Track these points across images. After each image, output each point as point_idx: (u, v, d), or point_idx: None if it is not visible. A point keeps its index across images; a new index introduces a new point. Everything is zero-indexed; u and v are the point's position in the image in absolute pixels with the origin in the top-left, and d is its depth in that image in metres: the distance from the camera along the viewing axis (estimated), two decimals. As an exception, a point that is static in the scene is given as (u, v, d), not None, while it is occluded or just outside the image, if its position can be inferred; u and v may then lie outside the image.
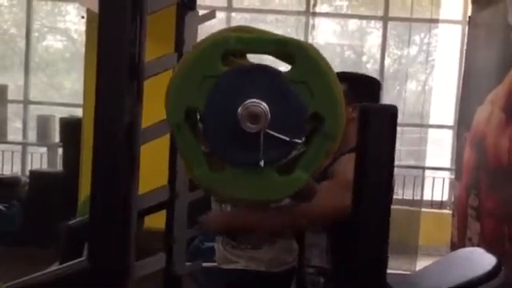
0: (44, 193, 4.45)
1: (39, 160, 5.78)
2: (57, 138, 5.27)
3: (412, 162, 5.90)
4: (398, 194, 5.82)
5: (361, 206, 1.11)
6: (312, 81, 0.88)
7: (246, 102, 0.84)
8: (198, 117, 0.93)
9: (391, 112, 1.14)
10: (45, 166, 5.59)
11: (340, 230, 1.57)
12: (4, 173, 5.65)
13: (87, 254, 1.08)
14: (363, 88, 1.91)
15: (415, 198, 5.76)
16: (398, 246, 5.05)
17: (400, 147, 6.03)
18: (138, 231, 2.65)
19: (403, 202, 5.72)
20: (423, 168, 5.68)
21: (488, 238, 4.01)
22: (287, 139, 0.86)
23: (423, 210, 5.49)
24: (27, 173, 5.19)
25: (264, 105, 0.85)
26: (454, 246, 4.45)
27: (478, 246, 3.98)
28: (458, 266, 3.62)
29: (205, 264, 2.74)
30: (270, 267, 1.71)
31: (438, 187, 5.89)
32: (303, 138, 0.93)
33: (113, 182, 1.07)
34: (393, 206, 4.70)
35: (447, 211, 5.35)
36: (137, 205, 1.14)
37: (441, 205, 5.80)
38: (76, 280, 1.11)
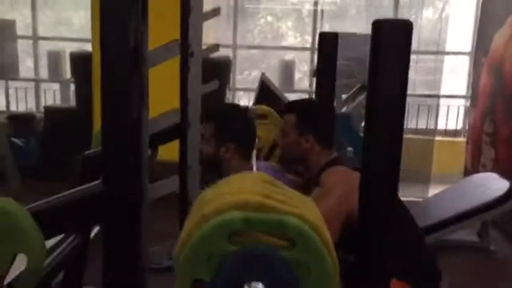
0: (59, 127, 4.51)
1: (52, 96, 5.81)
2: (68, 74, 5.25)
3: (427, 92, 5.82)
4: (412, 123, 5.79)
5: (374, 124, 1.09)
6: (311, 262, 0.93)
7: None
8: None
9: (406, 27, 1.10)
10: (58, 102, 5.62)
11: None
12: (19, 109, 5.71)
13: (102, 178, 1.09)
14: (312, 116, 1.87)
15: (429, 127, 5.73)
16: (411, 175, 5.08)
17: (415, 76, 5.92)
18: (153, 163, 2.69)
19: (417, 131, 5.70)
20: (438, 96, 5.59)
21: (502, 163, 4.01)
22: None
23: (437, 138, 5.47)
24: (41, 109, 5.23)
25: None
26: (468, 173, 4.47)
27: (492, 172, 3.99)
28: (471, 191, 3.66)
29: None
30: None
31: (452, 116, 5.83)
32: None
33: (122, 105, 1.06)
34: (406, 136, 4.69)
35: (462, 139, 5.32)
36: (148, 128, 1.13)
37: (455, 133, 5.77)
38: (91, 203, 1.13)
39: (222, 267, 0.92)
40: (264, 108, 2.60)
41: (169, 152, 2.49)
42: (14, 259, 1.03)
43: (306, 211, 0.95)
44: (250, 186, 0.99)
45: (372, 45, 1.09)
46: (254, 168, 1.75)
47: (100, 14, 1.03)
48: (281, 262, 0.92)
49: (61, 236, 2.40)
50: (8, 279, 1.02)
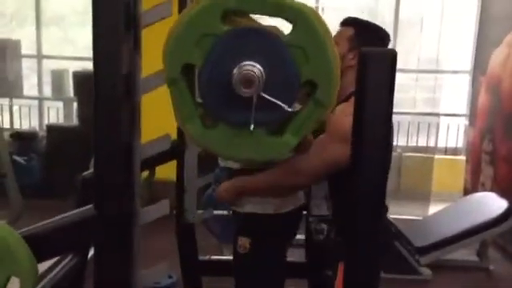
0: (61, 146, 4.55)
1: (56, 114, 5.86)
2: (71, 92, 5.31)
3: (427, 110, 5.85)
4: (413, 141, 5.81)
5: (360, 150, 1.11)
6: (309, 47, 0.87)
7: (241, 64, 0.84)
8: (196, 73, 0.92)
9: (391, 56, 1.13)
10: (61, 120, 5.67)
11: (339, 178, 1.59)
12: (22, 127, 5.76)
13: (94, 201, 1.12)
14: (370, 35, 1.83)
15: (429, 145, 5.75)
16: (411, 193, 5.10)
17: (415, 94, 5.96)
18: (150, 182, 2.71)
19: (417, 149, 5.72)
20: (438, 115, 5.62)
21: (501, 182, 4.02)
22: (280, 104, 0.86)
23: (437, 156, 5.48)
24: (44, 127, 5.28)
25: (259, 68, 0.84)
26: (468, 192, 4.47)
27: (491, 191, 4.00)
28: (470, 210, 3.66)
29: (216, 212, 2.81)
30: (277, 210, 1.74)
31: (452, 134, 5.85)
32: (296, 104, 0.92)
33: (114, 131, 1.09)
34: (406, 154, 4.74)
35: (461, 157, 5.33)
36: (139, 153, 1.16)
37: (455, 151, 5.78)
38: (83, 227, 1.15)
39: (215, 46, 0.85)
40: (273, 26, 2.55)
41: (171, 171, 2.53)
42: (7, 282, 1.05)
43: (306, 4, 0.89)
44: None
45: (358, 74, 1.11)
46: None
47: (93, 42, 1.07)
48: (278, 43, 0.85)
49: (58, 257, 2.43)
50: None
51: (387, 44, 1.85)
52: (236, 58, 0.85)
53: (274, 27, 2.57)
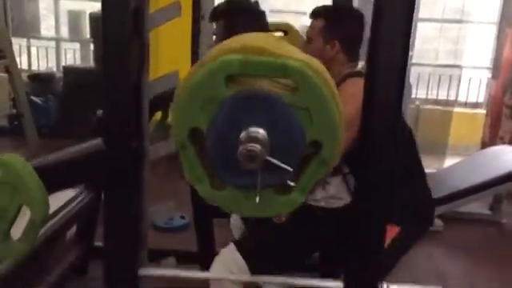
0: (77, 87, 4.56)
1: (72, 55, 5.86)
2: (88, 34, 5.28)
3: (450, 62, 5.70)
4: (433, 94, 5.70)
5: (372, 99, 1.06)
6: (313, 108, 0.86)
7: (244, 137, 0.85)
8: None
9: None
10: (78, 62, 5.68)
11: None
12: (40, 68, 5.78)
13: (103, 137, 1.12)
14: (342, 22, 1.77)
15: (450, 98, 5.64)
16: (428, 146, 5.05)
17: (438, 45, 5.79)
18: (164, 124, 2.72)
19: (437, 102, 5.62)
20: (460, 67, 5.48)
21: (520, 137, 3.94)
22: (287, 168, 0.87)
23: (456, 110, 5.39)
24: (61, 68, 5.29)
25: (263, 138, 0.85)
26: (485, 146, 4.41)
27: (510, 145, 3.93)
28: (486, 163, 3.62)
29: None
30: (329, 205, 1.74)
31: (474, 88, 5.72)
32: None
33: (122, 67, 1.07)
34: (425, 106, 4.65)
35: (481, 111, 5.23)
36: (148, 89, 1.15)
37: (475, 105, 5.67)
38: (93, 159, 1.16)
39: (220, 111, 0.86)
40: (285, 23, 2.54)
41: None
42: (18, 211, 1.08)
43: (310, 60, 0.89)
44: (254, 38, 0.93)
45: (374, 8, 1.06)
46: None
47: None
48: (282, 106, 0.85)
49: (74, 192, 2.48)
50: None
51: (363, 24, 1.78)
52: (240, 123, 0.86)
53: (287, 24, 2.37)
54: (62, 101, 4.71)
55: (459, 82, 5.57)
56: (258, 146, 0.84)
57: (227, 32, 1.78)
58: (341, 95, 1.65)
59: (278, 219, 1.67)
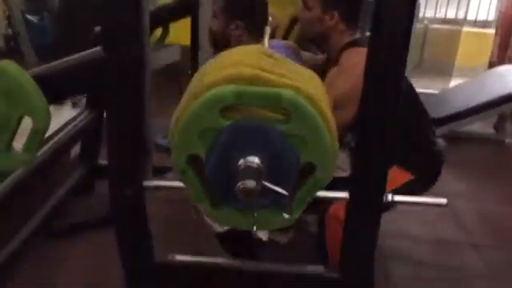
0: (73, 4, 4.41)
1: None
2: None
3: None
4: (441, 13, 5.52)
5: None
6: (307, 135, 0.90)
7: (242, 164, 0.90)
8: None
9: None
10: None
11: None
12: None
13: (102, 44, 1.06)
14: None
15: (458, 17, 5.46)
16: (434, 66, 4.96)
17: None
18: (163, 42, 2.62)
19: (445, 21, 5.45)
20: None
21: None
22: (283, 192, 0.92)
23: (465, 29, 5.23)
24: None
25: (258, 163, 0.90)
26: (493, 66, 4.32)
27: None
28: (492, 83, 3.56)
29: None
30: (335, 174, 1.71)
31: (484, 6, 5.51)
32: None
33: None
34: (433, 26, 4.50)
35: (490, 31, 5.08)
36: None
37: (485, 24, 5.49)
38: (93, 68, 1.11)
39: (216, 142, 0.91)
40: None
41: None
42: (19, 121, 1.05)
43: (303, 84, 0.92)
44: (246, 59, 0.95)
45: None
46: (265, 46, 1.69)
47: None
48: (276, 134, 0.90)
49: (77, 111, 2.45)
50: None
51: None
52: (237, 152, 0.91)
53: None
54: (58, 19, 4.57)
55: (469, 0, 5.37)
56: (253, 182, 0.89)
57: (227, 13, 1.77)
58: (340, 67, 1.62)
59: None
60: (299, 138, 0.91)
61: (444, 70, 4.85)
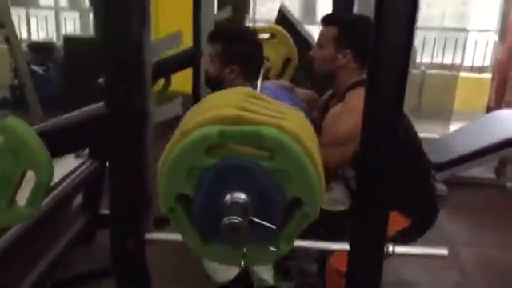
0: (78, 56, 4.52)
1: (73, 25, 5.79)
2: (87, 3, 5.20)
3: (455, 25, 5.60)
4: (438, 58, 5.63)
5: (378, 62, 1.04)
6: (290, 170, 0.92)
7: (228, 200, 0.92)
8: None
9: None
10: (78, 31, 5.61)
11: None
12: (39, 38, 5.71)
13: (104, 99, 1.10)
14: (356, 30, 1.75)
15: (455, 62, 5.57)
16: (433, 111, 5.01)
17: (443, 8, 5.68)
18: (166, 92, 2.68)
19: (442, 66, 5.55)
20: (466, 30, 5.39)
21: (526, 101, 3.90)
22: (270, 226, 0.93)
23: (462, 74, 5.32)
24: (61, 38, 5.23)
25: (244, 199, 0.92)
26: (491, 110, 4.38)
27: (515, 109, 3.90)
28: (491, 127, 3.60)
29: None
30: (333, 208, 1.73)
31: (480, 52, 5.63)
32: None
33: (123, 27, 1.04)
34: (430, 71, 4.58)
35: (487, 76, 5.17)
36: (149, 50, 1.12)
37: (481, 70, 5.60)
38: (96, 123, 1.14)
39: (203, 180, 0.93)
40: (272, 27, 2.53)
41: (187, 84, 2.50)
42: (23, 176, 1.06)
43: (287, 122, 0.93)
44: (232, 101, 0.97)
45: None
46: (258, 88, 1.72)
47: None
48: (261, 171, 0.92)
49: (79, 161, 2.47)
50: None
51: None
52: (222, 189, 0.93)
53: (275, 28, 2.32)
54: (63, 70, 4.67)
55: (465, 45, 5.49)
56: (239, 219, 0.90)
57: (223, 58, 1.80)
58: (344, 105, 1.66)
59: None
60: (284, 173, 0.92)
61: (443, 114, 4.90)
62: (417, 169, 1.82)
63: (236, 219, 0.91)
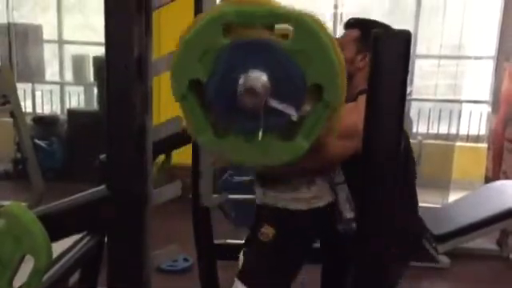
0: (82, 130, 4.61)
1: (77, 99, 5.94)
2: (92, 77, 5.37)
3: (449, 96, 5.75)
4: (434, 128, 5.73)
5: (372, 132, 1.10)
6: (311, 50, 0.88)
7: (245, 75, 0.86)
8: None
9: (404, 37, 1.11)
10: (82, 105, 5.74)
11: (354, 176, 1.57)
12: (44, 112, 5.84)
13: (105, 182, 1.13)
14: None
15: (451, 132, 5.66)
16: (431, 181, 5.02)
17: (437, 81, 5.85)
18: (167, 168, 2.72)
19: (438, 136, 5.64)
20: (460, 101, 5.52)
21: (523, 171, 3.94)
22: (291, 112, 0.88)
23: (458, 144, 5.39)
24: (65, 111, 5.35)
25: (263, 78, 0.86)
26: (489, 180, 4.40)
27: (513, 179, 3.92)
28: (491, 198, 3.61)
29: (231, 196, 2.82)
30: (311, 205, 1.70)
31: (474, 122, 5.74)
32: (306, 106, 0.92)
33: (126, 112, 1.10)
34: (427, 141, 4.65)
35: (483, 145, 5.24)
36: (151, 134, 1.17)
37: (477, 139, 5.68)
38: (97, 206, 1.16)
39: (218, 61, 0.88)
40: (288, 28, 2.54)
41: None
42: (22, 259, 1.08)
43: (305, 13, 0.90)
44: None
45: (372, 56, 1.09)
46: None
47: (104, 24, 1.07)
48: (280, 50, 0.87)
49: (77, 237, 2.46)
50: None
51: None
52: (239, 70, 0.87)
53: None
54: (67, 144, 4.74)
55: (460, 116, 5.60)
56: (259, 78, 0.84)
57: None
58: (355, 104, 1.66)
59: (264, 237, 1.66)
60: (303, 54, 0.87)
61: (441, 184, 4.91)
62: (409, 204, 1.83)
63: (255, 78, 0.83)
